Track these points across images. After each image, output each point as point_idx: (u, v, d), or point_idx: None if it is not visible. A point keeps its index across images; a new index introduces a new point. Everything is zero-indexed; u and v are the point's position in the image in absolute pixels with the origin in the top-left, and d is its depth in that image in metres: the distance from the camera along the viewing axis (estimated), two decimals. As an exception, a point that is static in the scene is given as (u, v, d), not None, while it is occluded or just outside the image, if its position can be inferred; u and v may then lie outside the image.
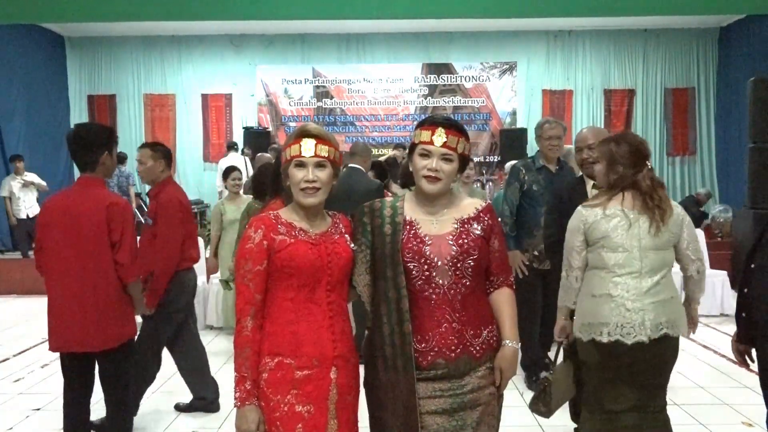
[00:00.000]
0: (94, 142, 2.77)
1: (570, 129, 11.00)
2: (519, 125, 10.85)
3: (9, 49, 9.41)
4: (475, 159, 10.35)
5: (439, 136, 1.92)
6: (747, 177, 7.23)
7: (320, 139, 1.91)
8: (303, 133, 1.91)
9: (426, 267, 1.91)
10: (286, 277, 1.87)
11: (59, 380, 4.54)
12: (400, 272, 1.91)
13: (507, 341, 1.97)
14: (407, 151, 2.08)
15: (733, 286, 6.53)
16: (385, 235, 1.96)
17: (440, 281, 1.91)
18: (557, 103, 11.06)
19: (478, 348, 1.93)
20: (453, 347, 1.90)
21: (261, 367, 1.84)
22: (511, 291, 2.05)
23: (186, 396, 4.11)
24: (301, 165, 1.89)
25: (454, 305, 1.91)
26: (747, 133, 7.21)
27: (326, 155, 1.90)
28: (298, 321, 1.86)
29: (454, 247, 1.91)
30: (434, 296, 1.91)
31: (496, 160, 10.79)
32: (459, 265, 1.91)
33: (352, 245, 1.98)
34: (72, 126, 10.91)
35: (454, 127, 1.95)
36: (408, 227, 1.96)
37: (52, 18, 8.26)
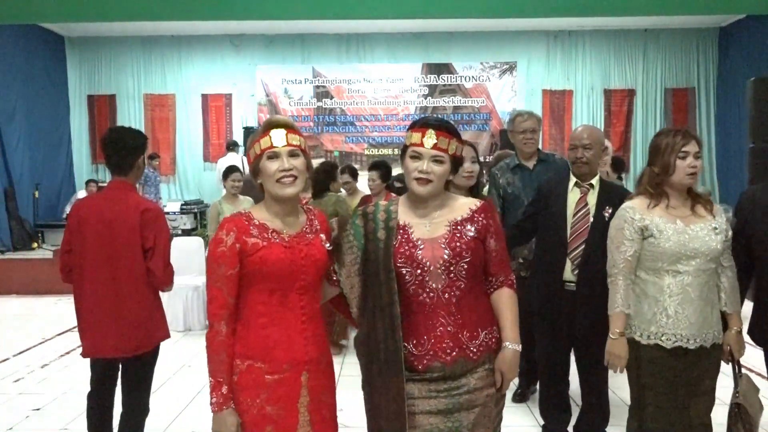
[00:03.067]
0: (132, 145, 2.75)
1: (570, 129, 11.01)
2: (518, 125, 10.84)
3: (9, 49, 9.40)
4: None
5: (430, 138, 1.90)
6: (747, 177, 7.23)
7: (289, 128, 1.88)
8: (271, 125, 1.88)
9: (419, 271, 1.89)
10: (259, 280, 1.84)
11: (59, 380, 4.59)
12: (392, 277, 1.89)
13: (507, 343, 1.94)
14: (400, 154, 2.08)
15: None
16: (379, 240, 1.94)
17: (434, 285, 1.89)
18: (557, 103, 11.06)
19: (474, 350, 1.91)
20: (449, 350, 1.88)
21: (232, 369, 1.83)
22: (512, 291, 2.01)
23: (184, 395, 4.12)
24: (274, 156, 1.84)
25: (449, 308, 1.90)
26: (747, 133, 7.21)
27: (298, 144, 1.87)
28: (270, 325, 1.84)
29: (446, 251, 1.89)
30: (428, 300, 1.90)
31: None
32: (452, 268, 1.89)
33: (327, 245, 1.96)
34: (72, 126, 11.06)
35: (444, 128, 1.94)
36: (401, 231, 1.94)
37: (52, 18, 8.27)
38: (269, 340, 1.83)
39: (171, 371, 4.71)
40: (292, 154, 1.86)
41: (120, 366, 2.83)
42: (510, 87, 11.08)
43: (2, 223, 9.01)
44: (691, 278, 2.32)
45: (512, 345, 1.93)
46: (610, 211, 2.87)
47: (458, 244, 1.90)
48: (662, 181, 2.37)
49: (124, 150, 2.73)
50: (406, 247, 1.91)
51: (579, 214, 3.00)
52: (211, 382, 1.81)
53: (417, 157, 1.92)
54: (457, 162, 1.98)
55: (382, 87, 11.11)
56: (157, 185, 9.70)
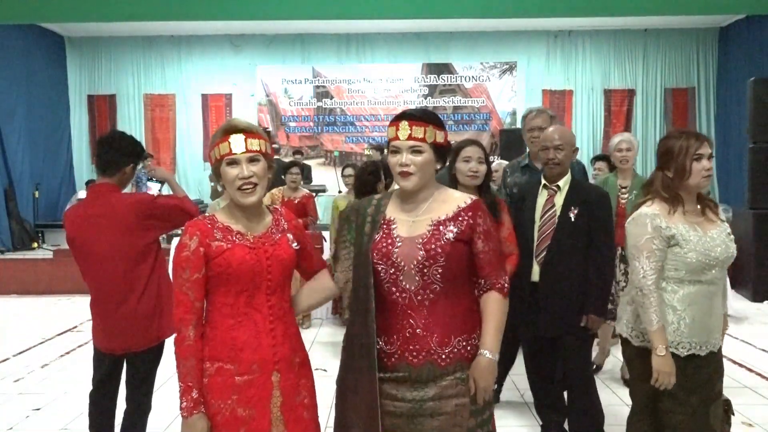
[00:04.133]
0: (125, 149, 2.76)
1: (570, 129, 11.01)
2: (519, 125, 10.81)
3: (9, 49, 9.40)
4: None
5: (403, 130, 1.86)
6: (747, 177, 7.24)
7: (249, 132, 1.84)
8: (230, 129, 1.84)
9: (393, 270, 1.86)
10: (224, 282, 1.82)
11: (59, 380, 4.58)
12: (370, 272, 1.87)
13: (483, 350, 1.85)
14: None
15: (733, 286, 6.53)
16: (365, 234, 1.93)
17: (407, 285, 1.85)
18: (557, 103, 11.06)
19: (444, 357, 1.85)
20: (416, 353, 1.85)
21: (201, 374, 1.83)
22: (500, 296, 1.90)
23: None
24: (233, 162, 1.82)
25: (420, 311, 1.85)
26: (747, 133, 7.21)
27: (258, 149, 1.83)
28: (237, 327, 1.83)
29: (421, 252, 1.83)
30: (400, 300, 1.86)
31: (496, 160, 10.78)
32: (426, 270, 1.83)
33: (295, 244, 1.93)
34: (72, 126, 11.06)
35: (418, 117, 1.87)
36: (384, 226, 1.91)
37: (52, 18, 8.27)
38: (237, 342, 1.82)
39: (171, 371, 4.69)
40: (251, 160, 1.83)
41: (124, 364, 2.84)
42: (510, 87, 11.08)
43: (2, 223, 9.02)
44: (712, 287, 2.28)
45: (488, 353, 1.85)
46: (575, 211, 2.90)
47: (434, 246, 1.83)
48: (677, 185, 2.30)
49: (115, 150, 2.73)
50: (384, 244, 1.88)
51: (545, 216, 3.01)
52: (180, 387, 1.80)
53: (396, 151, 1.88)
54: (442, 150, 1.92)
55: (382, 87, 11.11)
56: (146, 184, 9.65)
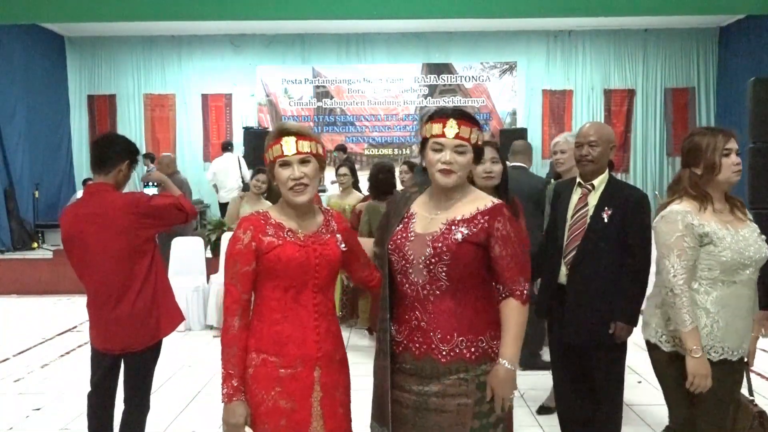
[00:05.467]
0: (118, 147, 2.76)
1: (570, 129, 11.00)
2: (519, 125, 10.84)
3: (9, 49, 9.39)
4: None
5: (451, 128, 1.87)
6: (747, 177, 7.23)
7: (300, 135, 1.90)
8: (282, 132, 1.91)
9: (404, 262, 1.92)
10: (273, 277, 1.89)
11: (59, 380, 4.58)
12: (385, 262, 1.96)
13: (500, 359, 1.85)
14: (419, 147, 2.05)
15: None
16: (390, 225, 2.01)
17: (415, 279, 1.90)
18: (557, 103, 11.06)
19: (444, 353, 1.87)
20: (418, 345, 1.91)
21: (247, 363, 1.89)
22: (518, 303, 1.88)
23: (184, 395, 4.11)
24: (286, 164, 1.89)
25: (426, 305, 1.90)
26: (747, 133, 7.21)
27: (309, 150, 1.90)
28: (283, 321, 1.90)
29: (428, 249, 1.87)
30: (409, 292, 1.92)
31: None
32: (432, 267, 1.87)
33: (343, 245, 1.99)
34: (72, 126, 11.06)
35: (465, 117, 1.90)
36: (406, 219, 1.98)
37: (52, 18, 8.27)
38: (282, 336, 1.89)
39: (171, 371, 4.71)
40: (303, 161, 1.89)
41: (122, 364, 2.84)
42: (510, 87, 11.08)
43: (2, 223, 9.01)
44: (744, 288, 2.21)
45: (505, 363, 1.85)
46: (609, 212, 2.72)
47: (441, 244, 1.86)
48: (706, 183, 2.23)
49: (110, 149, 2.74)
50: (400, 237, 1.94)
51: (577, 215, 2.86)
52: (222, 373, 1.86)
53: (439, 148, 1.89)
54: (479, 152, 1.95)
55: (382, 87, 11.11)
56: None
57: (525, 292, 1.90)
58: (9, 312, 6.99)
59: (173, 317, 2.83)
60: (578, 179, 2.90)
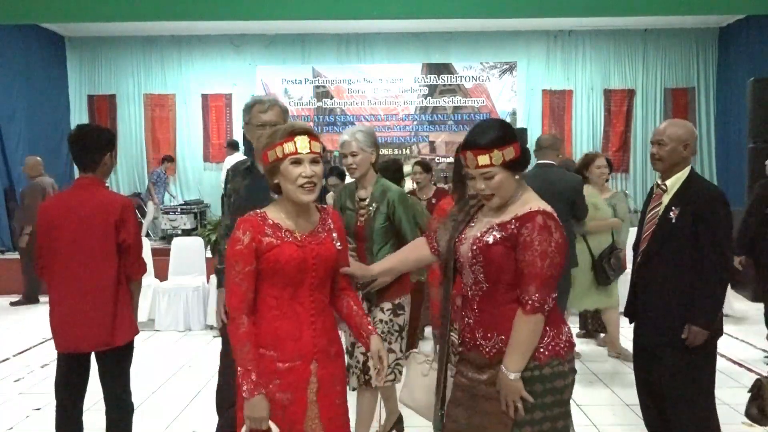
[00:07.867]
0: (97, 143, 2.79)
1: (570, 129, 11.04)
2: (519, 125, 10.84)
3: (9, 49, 9.39)
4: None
5: (470, 160, 1.96)
6: (747, 177, 7.23)
7: (312, 135, 1.96)
8: (295, 131, 1.95)
9: (460, 263, 2.06)
10: (272, 276, 1.95)
11: (59, 380, 4.58)
12: (450, 260, 2.10)
13: (502, 367, 1.93)
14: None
15: (733, 286, 6.53)
16: (459, 224, 2.13)
17: (465, 279, 2.05)
18: (557, 103, 11.06)
19: (488, 349, 1.99)
20: (467, 340, 2.05)
21: (258, 358, 1.95)
22: (525, 314, 1.89)
23: (184, 395, 4.11)
24: (298, 162, 1.93)
25: (472, 304, 2.03)
26: (747, 133, 7.22)
27: (318, 151, 1.97)
28: (280, 318, 1.96)
29: (469, 252, 1.99)
30: (464, 291, 2.07)
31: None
32: (473, 268, 1.99)
33: (338, 244, 2.05)
34: (72, 126, 11.04)
35: (481, 146, 1.94)
36: (471, 221, 2.10)
37: (52, 18, 8.26)
38: (280, 331, 1.96)
39: (171, 371, 4.72)
40: (313, 161, 1.95)
41: (88, 366, 2.86)
42: (510, 87, 11.08)
43: (2, 223, 9.01)
44: None
45: (506, 370, 1.91)
46: (676, 211, 2.65)
47: (476, 247, 1.97)
48: None
49: (87, 148, 2.77)
50: (460, 238, 2.07)
51: (649, 215, 2.81)
52: (239, 371, 1.90)
53: (473, 178, 2.00)
54: (516, 162, 1.99)
55: (382, 87, 11.11)
56: (166, 185, 10.16)
57: (533, 302, 1.88)
58: (9, 312, 6.99)
59: (129, 329, 2.82)
60: (657, 179, 2.85)
